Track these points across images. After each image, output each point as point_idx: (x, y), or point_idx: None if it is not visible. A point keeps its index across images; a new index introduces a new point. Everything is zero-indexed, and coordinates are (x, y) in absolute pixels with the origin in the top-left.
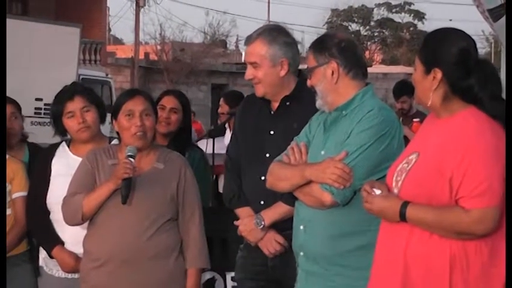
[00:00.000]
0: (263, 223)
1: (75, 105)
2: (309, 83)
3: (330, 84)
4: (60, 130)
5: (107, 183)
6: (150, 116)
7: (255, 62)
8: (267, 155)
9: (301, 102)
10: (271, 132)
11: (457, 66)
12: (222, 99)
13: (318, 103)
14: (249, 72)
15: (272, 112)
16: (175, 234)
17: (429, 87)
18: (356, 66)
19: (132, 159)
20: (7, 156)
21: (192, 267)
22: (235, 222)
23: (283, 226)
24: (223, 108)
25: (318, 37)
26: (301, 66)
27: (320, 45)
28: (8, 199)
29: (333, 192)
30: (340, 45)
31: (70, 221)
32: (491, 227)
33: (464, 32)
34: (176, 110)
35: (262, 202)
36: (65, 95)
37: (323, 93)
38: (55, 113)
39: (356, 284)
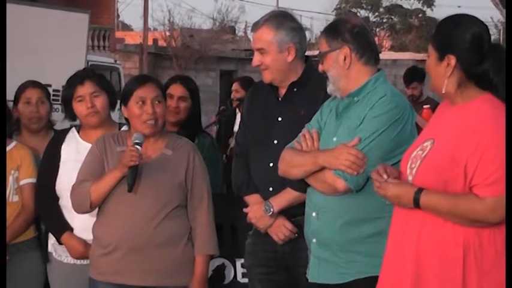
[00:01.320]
0: (272, 210)
1: (85, 89)
2: (320, 68)
3: (342, 69)
4: (70, 114)
5: (113, 170)
6: (161, 103)
7: (262, 48)
8: (275, 142)
9: (308, 88)
10: (279, 119)
11: (471, 52)
12: (236, 85)
13: (330, 88)
14: (256, 59)
15: (280, 98)
16: (184, 221)
17: (443, 73)
18: (368, 51)
19: (138, 147)
20: (14, 143)
21: (200, 255)
22: (245, 210)
23: (294, 212)
24: (240, 93)
25: (331, 22)
26: (309, 53)
27: (333, 30)
28: (15, 186)
29: (347, 179)
30: (353, 30)
31: (78, 209)
32: (504, 215)
33: (476, 17)
34: (185, 98)
35: (271, 189)
36: (76, 79)
37: (335, 78)
38: (65, 96)
39: (369, 270)
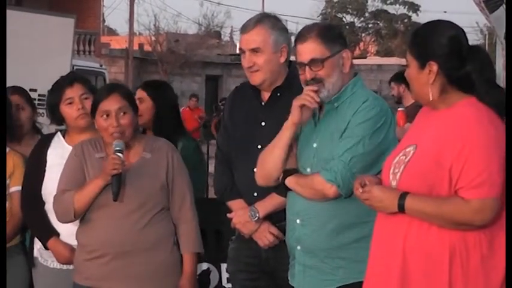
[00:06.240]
0: (257, 215)
1: (75, 91)
2: (313, 74)
3: (342, 73)
4: (57, 118)
5: (96, 179)
6: (127, 113)
7: (258, 48)
8: (259, 147)
9: (291, 92)
10: (263, 124)
11: (451, 56)
12: None
13: (323, 95)
14: (249, 59)
15: (263, 103)
16: (169, 224)
17: (426, 81)
18: (352, 54)
19: (120, 154)
20: (8, 150)
21: (188, 253)
22: (229, 215)
23: (277, 218)
24: None
25: (320, 27)
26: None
27: (330, 34)
28: (6, 192)
29: (339, 185)
30: (343, 34)
31: (62, 219)
32: (490, 217)
33: (450, 21)
34: (141, 99)
35: (255, 194)
36: (64, 82)
37: (334, 84)
38: (52, 100)
39: (356, 276)
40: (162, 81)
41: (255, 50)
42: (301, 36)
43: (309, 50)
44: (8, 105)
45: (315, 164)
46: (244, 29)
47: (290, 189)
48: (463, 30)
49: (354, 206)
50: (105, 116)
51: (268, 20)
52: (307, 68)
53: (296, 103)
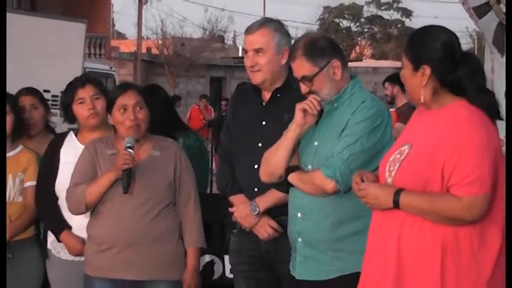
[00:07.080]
0: (258, 209)
1: (86, 92)
2: (308, 89)
3: (334, 81)
4: (69, 117)
5: (107, 173)
6: (142, 108)
7: (261, 48)
8: (260, 145)
9: (291, 94)
10: (263, 123)
11: (444, 61)
12: None
13: (323, 105)
14: (252, 59)
15: (264, 103)
16: (176, 218)
17: (419, 83)
18: (344, 58)
19: (131, 150)
20: (21, 147)
21: (191, 248)
22: (230, 209)
23: (277, 212)
24: None
25: (306, 43)
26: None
27: (315, 49)
28: (20, 187)
29: (338, 180)
30: (331, 42)
31: (74, 211)
32: (480, 213)
33: (445, 27)
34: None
35: (256, 189)
36: (77, 82)
37: (329, 94)
38: (66, 100)
39: (355, 267)
40: (152, 85)
41: (258, 51)
42: (291, 54)
43: (298, 67)
44: (17, 106)
45: (316, 161)
46: (249, 30)
47: (292, 185)
48: (456, 35)
49: (353, 201)
50: (122, 110)
51: (272, 23)
52: (301, 82)
53: (298, 107)
